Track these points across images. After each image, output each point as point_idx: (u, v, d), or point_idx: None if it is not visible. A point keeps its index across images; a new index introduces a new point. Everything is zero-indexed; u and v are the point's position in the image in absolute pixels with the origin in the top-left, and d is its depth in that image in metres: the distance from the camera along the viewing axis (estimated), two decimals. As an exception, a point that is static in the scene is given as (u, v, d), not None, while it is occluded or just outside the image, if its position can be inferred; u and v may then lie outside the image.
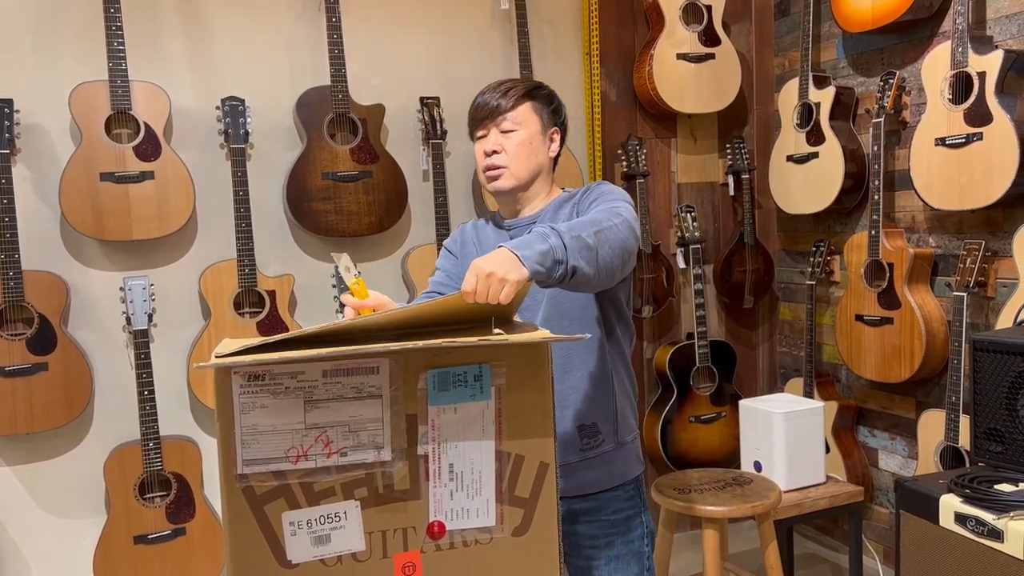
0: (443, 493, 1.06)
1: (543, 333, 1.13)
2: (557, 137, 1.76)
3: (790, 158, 3.17)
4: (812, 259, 3.18)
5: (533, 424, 1.09)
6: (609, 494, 1.69)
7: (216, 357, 1.03)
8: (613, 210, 1.51)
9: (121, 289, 2.58)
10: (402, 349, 1.02)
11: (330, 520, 1.04)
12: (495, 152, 1.68)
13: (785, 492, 2.70)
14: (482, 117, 1.70)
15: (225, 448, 1.00)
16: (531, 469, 1.09)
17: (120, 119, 2.56)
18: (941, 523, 1.83)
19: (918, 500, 1.87)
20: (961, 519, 1.79)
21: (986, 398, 1.88)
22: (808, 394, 3.17)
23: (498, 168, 1.69)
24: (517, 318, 1.34)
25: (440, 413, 1.05)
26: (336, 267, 1.38)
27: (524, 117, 1.69)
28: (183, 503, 2.63)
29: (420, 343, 1.02)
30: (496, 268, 1.22)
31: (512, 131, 1.68)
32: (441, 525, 1.07)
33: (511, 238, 1.69)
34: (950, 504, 1.80)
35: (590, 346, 1.67)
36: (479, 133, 1.72)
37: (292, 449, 1.01)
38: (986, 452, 1.88)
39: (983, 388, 1.88)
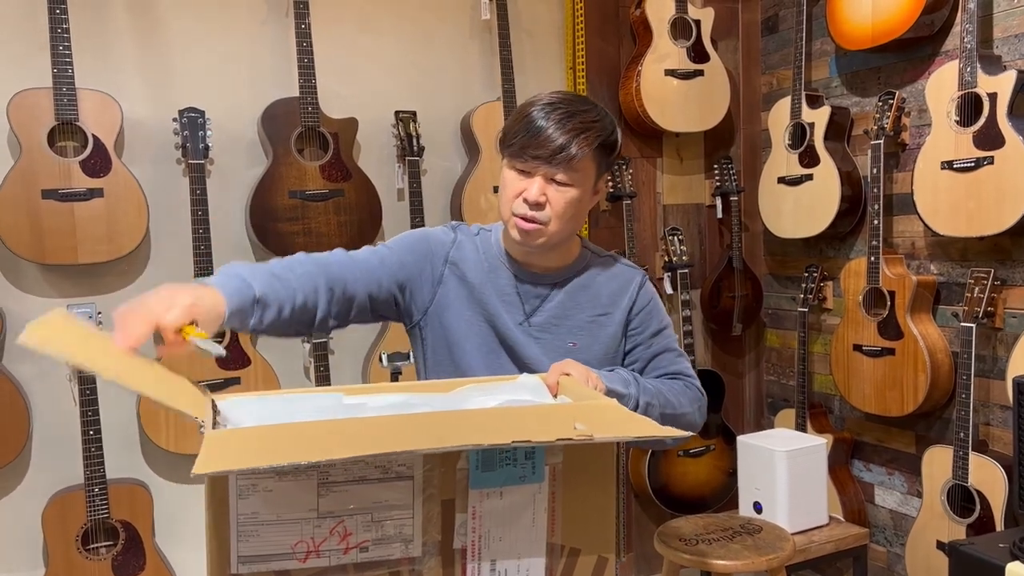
0: None
1: (620, 417, 0.92)
2: (604, 186, 1.50)
3: (781, 180, 3.04)
4: (804, 285, 3.05)
5: (592, 511, 0.89)
6: None
7: (208, 426, 0.81)
8: (695, 390, 1.51)
9: (64, 318, 2.33)
10: (462, 449, 0.79)
11: None
12: (538, 204, 1.37)
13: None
14: (536, 155, 1.35)
15: (217, 541, 0.79)
16: (587, 565, 0.89)
17: (65, 130, 2.33)
18: None
19: (979, 568, 1.70)
20: None
21: (1032, 446, 1.73)
22: (801, 427, 3.03)
23: (536, 224, 1.38)
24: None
25: (483, 498, 0.84)
26: None
27: (585, 171, 1.38)
28: (132, 554, 2.40)
29: (480, 443, 0.78)
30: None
31: (567, 186, 1.37)
32: None
33: (521, 293, 1.50)
34: (1018, 574, 1.64)
35: None
36: (520, 166, 1.38)
37: (301, 543, 0.81)
38: (1031, 505, 1.74)
39: (1029, 435, 1.74)
